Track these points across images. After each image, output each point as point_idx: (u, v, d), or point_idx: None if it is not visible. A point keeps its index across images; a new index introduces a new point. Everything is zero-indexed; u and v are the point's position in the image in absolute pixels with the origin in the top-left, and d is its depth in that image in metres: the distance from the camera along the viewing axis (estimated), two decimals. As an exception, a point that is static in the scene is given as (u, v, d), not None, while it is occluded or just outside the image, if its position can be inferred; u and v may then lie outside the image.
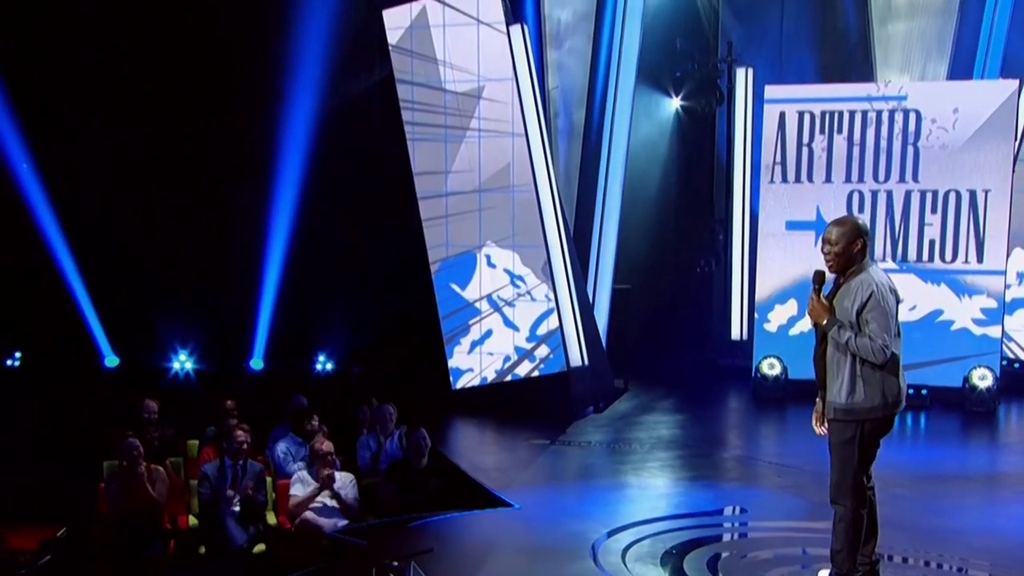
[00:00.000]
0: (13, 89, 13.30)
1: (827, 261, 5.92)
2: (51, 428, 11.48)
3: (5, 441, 10.94)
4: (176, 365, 13.66)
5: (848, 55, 14.19)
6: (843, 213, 11.89)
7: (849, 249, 5.80)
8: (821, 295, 5.92)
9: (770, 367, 12.30)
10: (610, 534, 7.56)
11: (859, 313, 5.78)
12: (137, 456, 9.11)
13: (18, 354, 14.22)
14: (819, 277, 5.93)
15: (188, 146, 13.27)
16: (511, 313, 12.05)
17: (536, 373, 12.02)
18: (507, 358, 12.11)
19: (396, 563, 6.61)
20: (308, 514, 8.92)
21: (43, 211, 13.45)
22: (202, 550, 9.06)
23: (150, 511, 9.19)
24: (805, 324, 8.79)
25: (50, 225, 13.46)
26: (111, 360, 13.93)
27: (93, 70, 13.21)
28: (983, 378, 11.64)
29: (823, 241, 5.97)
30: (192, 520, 9.35)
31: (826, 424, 6.07)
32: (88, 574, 9.09)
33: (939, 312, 11.82)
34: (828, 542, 6.15)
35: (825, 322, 5.87)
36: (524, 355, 12.06)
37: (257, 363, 13.70)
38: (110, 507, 9.15)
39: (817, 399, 6.24)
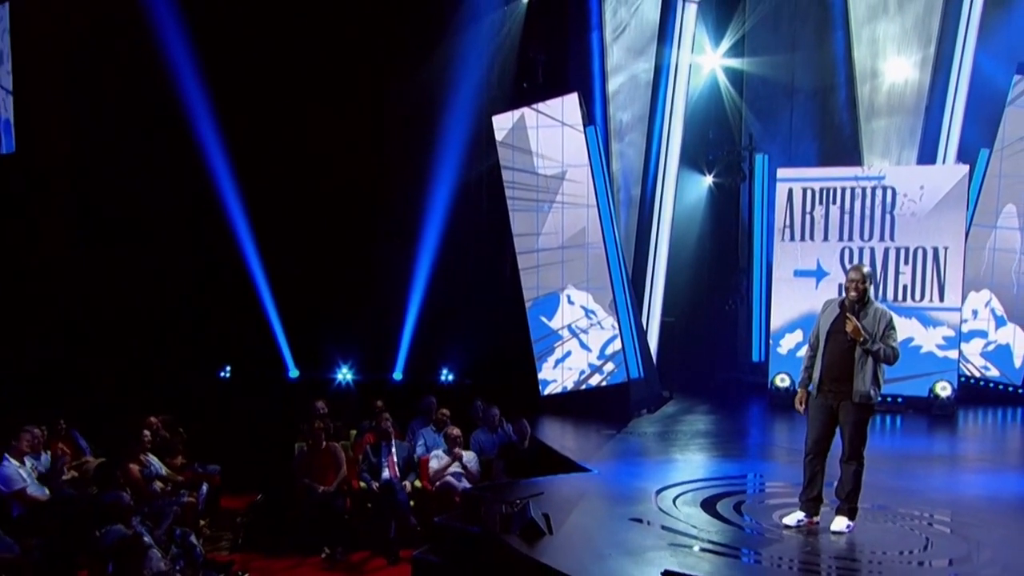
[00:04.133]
0: (239, 166, 13.65)
1: (852, 292, 6.83)
2: (252, 422, 11.89)
3: (221, 432, 11.54)
4: (340, 376, 13.74)
5: (842, 145, 14.21)
6: (837, 265, 12.26)
7: (868, 287, 6.88)
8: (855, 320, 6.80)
9: (782, 381, 12.56)
10: (662, 489, 8.27)
11: (883, 332, 6.77)
12: (321, 436, 10.09)
13: (228, 368, 14.40)
14: (852, 308, 6.82)
15: (360, 208, 13.65)
16: (585, 338, 12.29)
17: (604, 383, 12.23)
18: (582, 372, 12.34)
19: (517, 501, 7.14)
20: (444, 479, 9.89)
21: (251, 255, 13.74)
22: (369, 506, 9.96)
23: (334, 475, 9.97)
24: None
25: (255, 266, 13.75)
26: (293, 372, 14.18)
27: (297, 136, 13.63)
28: (944, 388, 12.06)
29: (854, 280, 6.86)
30: (362, 484, 10.06)
31: (842, 406, 6.83)
32: (285, 525, 9.92)
33: (911, 339, 12.06)
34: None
35: (863, 338, 6.73)
36: (595, 370, 12.29)
37: (398, 375, 13.84)
38: (302, 475, 9.98)
39: (800, 388, 7.16)
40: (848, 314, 6.85)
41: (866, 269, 7.07)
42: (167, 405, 11.38)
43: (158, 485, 9.67)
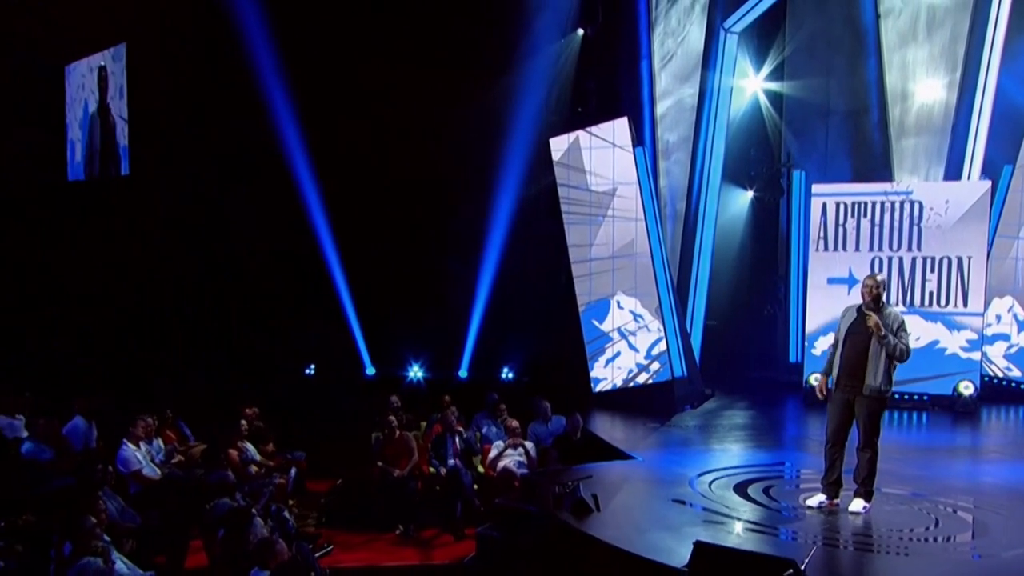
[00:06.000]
0: (327, 189, 14.10)
1: (868, 296, 7.12)
2: (334, 414, 12.10)
3: (307, 422, 11.76)
4: (411, 373, 14.02)
5: (874, 162, 14.07)
6: (868, 273, 12.59)
7: (882, 292, 7.16)
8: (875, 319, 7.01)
9: (816, 380, 11.87)
10: (701, 474, 8.56)
11: (896, 331, 7.04)
12: (395, 427, 10.33)
13: (313, 366, 14.75)
14: (871, 309, 7.08)
15: (431, 223, 13.95)
16: (633, 340, 12.39)
17: (650, 381, 12.33)
18: (630, 371, 12.45)
19: (569, 483, 7.44)
20: (504, 465, 10.04)
21: (334, 266, 14.13)
22: (437, 488, 10.14)
23: (407, 461, 10.16)
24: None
25: (338, 276, 14.12)
26: (370, 370, 14.50)
27: (378, 159, 13.99)
28: (967, 388, 12.03)
29: (870, 285, 7.14)
30: (431, 469, 10.31)
31: (857, 400, 7.09)
32: (363, 505, 10.07)
33: (936, 341, 12.12)
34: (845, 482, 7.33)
35: (883, 333, 7.00)
36: (642, 369, 12.40)
37: (463, 372, 14.09)
38: (378, 461, 10.19)
39: (823, 376, 7.47)
40: (868, 311, 7.13)
41: (879, 276, 7.34)
42: (260, 399, 11.60)
43: (253, 468, 9.91)
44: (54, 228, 16.58)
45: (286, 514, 8.58)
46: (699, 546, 5.87)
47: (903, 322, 7.19)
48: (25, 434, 10.21)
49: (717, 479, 8.42)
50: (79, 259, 16.24)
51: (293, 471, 10.42)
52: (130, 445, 9.40)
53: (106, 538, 6.86)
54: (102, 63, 16.30)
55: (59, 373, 13.71)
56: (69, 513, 6.80)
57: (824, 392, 7.45)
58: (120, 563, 6.75)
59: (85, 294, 15.95)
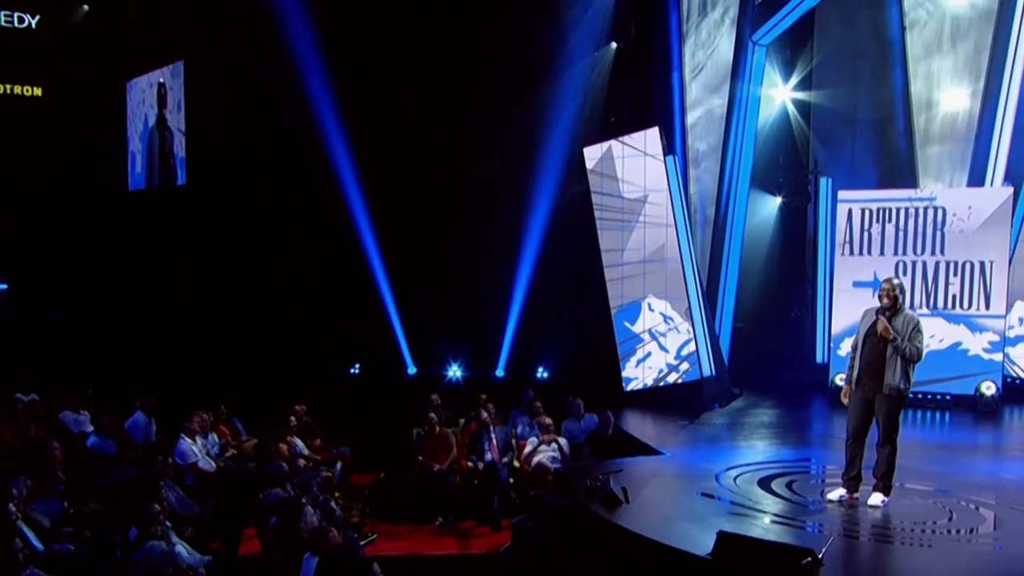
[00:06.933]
0: (372, 200, 14.28)
1: (885, 299, 7.17)
2: (377, 411, 12.27)
3: (352, 419, 11.94)
4: (450, 373, 14.10)
5: (899, 169, 14.02)
6: (891, 277, 12.55)
7: (898, 295, 7.19)
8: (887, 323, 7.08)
9: (841, 380, 11.26)
10: (727, 469, 8.62)
11: (910, 333, 7.07)
12: (435, 423, 10.48)
13: (357, 366, 14.89)
14: (884, 313, 7.16)
15: (469, 228, 14.05)
16: (664, 341, 12.40)
17: (680, 381, 12.35)
18: (660, 371, 12.46)
19: (600, 477, 7.51)
20: (539, 460, 10.19)
21: (378, 272, 14.29)
22: (475, 482, 10.25)
23: (446, 456, 10.33)
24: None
25: (381, 281, 14.30)
26: (412, 369, 14.61)
27: (421, 170, 14.12)
28: (988, 388, 11.96)
29: (886, 289, 7.19)
30: (469, 464, 10.42)
31: (877, 398, 7.14)
32: (405, 497, 10.26)
33: (959, 343, 12.08)
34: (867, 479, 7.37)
35: (893, 336, 7.05)
36: (672, 369, 12.41)
37: (500, 372, 14.19)
38: (419, 456, 10.37)
39: (845, 385, 7.50)
40: (880, 316, 7.20)
41: (896, 280, 7.36)
42: (308, 396, 11.69)
43: (301, 462, 10.04)
44: (116, 234, 17.02)
45: (333, 505, 8.76)
46: (722, 536, 5.99)
47: (918, 324, 7.22)
48: (91, 429, 10.59)
49: (742, 474, 8.47)
50: (139, 264, 16.68)
51: (339, 465, 10.50)
52: (187, 439, 9.71)
53: (167, 524, 7.14)
54: (161, 79, 16.72)
55: (120, 371, 14.11)
56: (135, 501, 7.08)
57: (848, 398, 7.51)
58: (180, 547, 7.03)
59: (144, 297, 16.43)
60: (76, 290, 16.25)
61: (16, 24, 16.44)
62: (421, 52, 14.08)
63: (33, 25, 16.50)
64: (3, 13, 16.30)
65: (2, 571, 5.71)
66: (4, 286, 15.52)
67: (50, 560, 6.59)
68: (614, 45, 14.35)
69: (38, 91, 16.86)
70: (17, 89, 16.76)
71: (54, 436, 9.77)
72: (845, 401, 7.54)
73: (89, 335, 15.87)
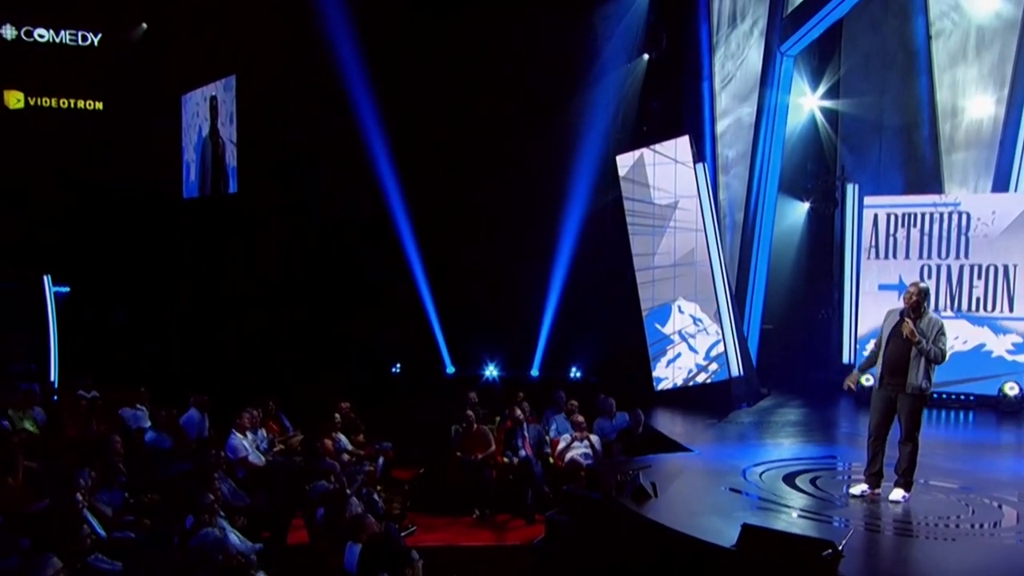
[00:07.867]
0: (415, 208, 14.43)
1: (910, 302, 7.16)
2: (418, 409, 12.35)
3: (394, 416, 12.02)
4: (487, 372, 14.20)
5: (925, 176, 13.93)
6: (918, 281, 12.38)
7: (923, 299, 7.18)
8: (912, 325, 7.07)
9: (867, 380, 11.31)
10: (753, 465, 8.62)
11: (935, 335, 7.08)
12: (472, 420, 10.67)
13: (399, 365, 15.05)
14: (910, 315, 7.14)
15: (506, 233, 14.17)
16: (693, 342, 12.38)
17: (708, 381, 12.34)
18: (690, 371, 12.45)
19: (630, 472, 7.55)
20: (572, 456, 10.31)
21: (419, 275, 14.50)
22: (510, 477, 10.40)
23: (484, 452, 10.47)
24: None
25: (422, 284, 14.50)
26: (450, 369, 14.75)
27: (461, 177, 14.29)
28: (1012, 388, 11.93)
29: (912, 292, 7.17)
30: (504, 459, 10.57)
31: (899, 397, 7.11)
32: (443, 491, 10.45)
33: (983, 345, 12.08)
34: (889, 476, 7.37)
35: (918, 340, 7.06)
36: (701, 369, 12.39)
37: (535, 371, 14.27)
38: (457, 451, 10.57)
39: (856, 371, 7.67)
40: (906, 319, 7.19)
41: (922, 284, 7.34)
42: (352, 394, 11.86)
43: (345, 457, 10.23)
44: (171, 240, 17.37)
45: (375, 497, 8.96)
46: (746, 528, 6.05)
47: (942, 326, 7.21)
48: (148, 424, 10.86)
49: (768, 470, 8.49)
50: (193, 268, 17.04)
51: (381, 460, 10.61)
52: (238, 435, 9.92)
53: (221, 513, 7.36)
54: (214, 93, 17.02)
55: (175, 370, 14.47)
56: (191, 490, 7.31)
57: (853, 385, 7.58)
58: (233, 536, 7.24)
59: (197, 299, 16.76)
60: (135, 292, 16.56)
61: (80, 42, 16.95)
62: (462, 64, 14.21)
63: (95, 43, 16.99)
64: (68, 32, 16.80)
65: (71, 556, 5.93)
66: (68, 288, 15.70)
67: (113, 546, 6.82)
68: (646, 57, 14.40)
69: (99, 105, 17.28)
70: (80, 103, 17.20)
71: (115, 431, 10.05)
72: (851, 386, 7.59)
73: (146, 335, 16.23)
